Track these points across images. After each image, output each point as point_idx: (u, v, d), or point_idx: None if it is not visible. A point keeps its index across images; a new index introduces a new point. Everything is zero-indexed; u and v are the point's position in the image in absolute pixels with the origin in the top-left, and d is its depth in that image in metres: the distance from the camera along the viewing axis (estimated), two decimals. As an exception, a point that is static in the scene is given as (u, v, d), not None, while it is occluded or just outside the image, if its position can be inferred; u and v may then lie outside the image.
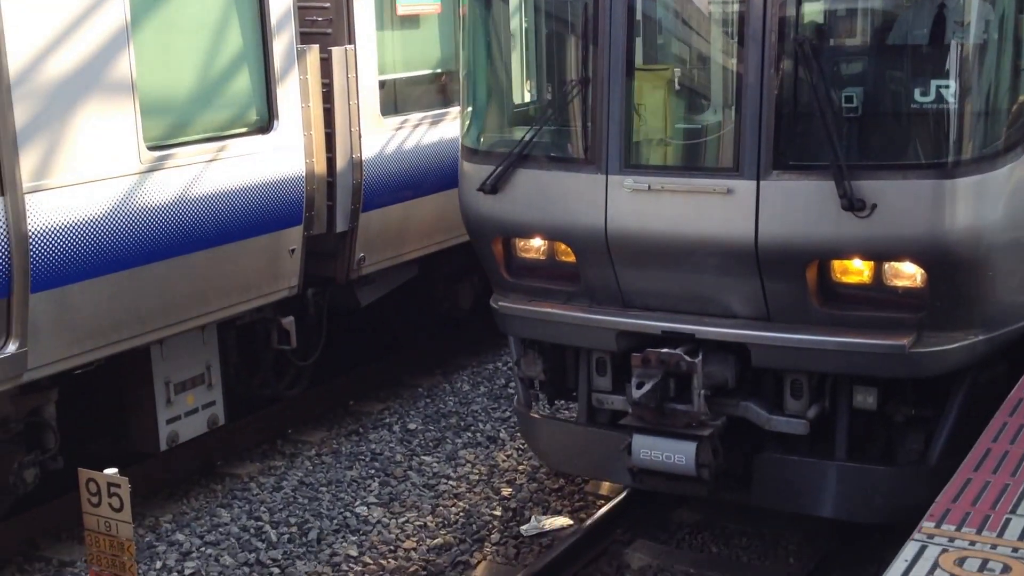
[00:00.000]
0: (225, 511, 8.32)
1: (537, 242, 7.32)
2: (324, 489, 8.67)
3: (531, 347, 7.40)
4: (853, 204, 5.98)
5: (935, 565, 4.25)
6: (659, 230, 6.56)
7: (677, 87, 6.92)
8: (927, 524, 4.58)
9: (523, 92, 7.83)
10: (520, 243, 7.39)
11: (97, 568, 6.68)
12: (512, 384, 10.50)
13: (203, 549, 7.74)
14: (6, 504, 7.64)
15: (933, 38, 6.16)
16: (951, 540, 4.45)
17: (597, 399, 7.22)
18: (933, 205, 5.97)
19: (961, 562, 4.28)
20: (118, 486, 6.53)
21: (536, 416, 7.75)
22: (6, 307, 6.89)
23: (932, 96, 6.04)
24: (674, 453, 6.40)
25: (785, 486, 6.68)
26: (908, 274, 6.27)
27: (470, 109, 7.62)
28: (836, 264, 6.38)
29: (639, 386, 6.36)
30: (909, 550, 4.37)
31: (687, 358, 6.37)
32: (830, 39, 6.57)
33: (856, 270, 6.39)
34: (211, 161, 8.15)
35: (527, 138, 6.99)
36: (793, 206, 6.21)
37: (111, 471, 6.59)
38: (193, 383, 8.66)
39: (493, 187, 7.07)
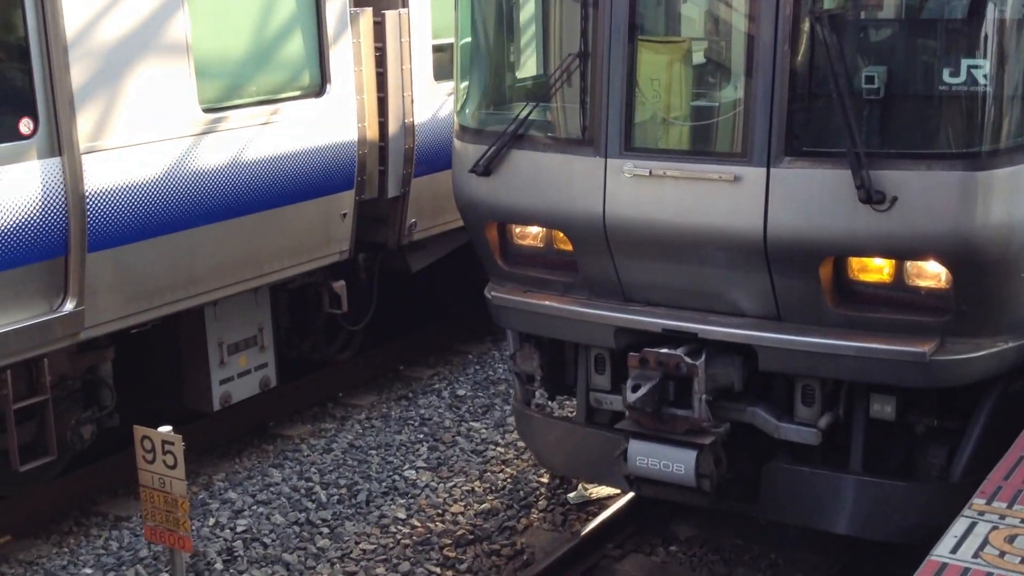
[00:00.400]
0: (277, 471, 8.45)
1: (534, 228, 6.84)
2: (373, 452, 8.75)
3: (527, 340, 6.98)
4: (871, 196, 5.44)
5: (985, 542, 4.17)
6: (660, 219, 6.07)
7: (683, 62, 6.34)
8: (978, 501, 4.49)
9: (519, 66, 7.26)
10: (516, 229, 6.89)
11: (152, 523, 6.82)
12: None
13: (255, 508, 7.87)
14: (64, 460, 7.83)
15: (965, 12, 5.52)
16: (1002, 517, 4.36)
17: (595, 398, 6.77)
18: (961, 199, 5.40)
19: (1012, 539, 4.20)
20: (172, 443, 6.65)
21: (532, 413, 7.28)
22: (63, 266, 7.02)
23: (963, 77, 5.43)
24: (672, 462, 5.94)
25: (795, 498, 6.21)
26: (932, 274, 5.73)
27: (464, 84, 7.05)
28: (853, 261, 5.88)
29: (635, 389, 5.88)
30: (959, 526, 4.30)
31: (687, 360, 5.92)
32: (850, 12, 5.87)
33: (874, 268, 5.86)
34: (264, 124, 8.20)
35: (522, 116, 6.48)
36: (806, 197, 5.68)
37: (165, 429, 6.71)
38: (246, 344, 8.77)
39: (486, 169, 6.56)
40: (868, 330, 5.79)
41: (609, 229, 6.22)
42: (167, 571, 6.95)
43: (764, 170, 5.76)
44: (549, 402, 8.48)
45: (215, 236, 7.93)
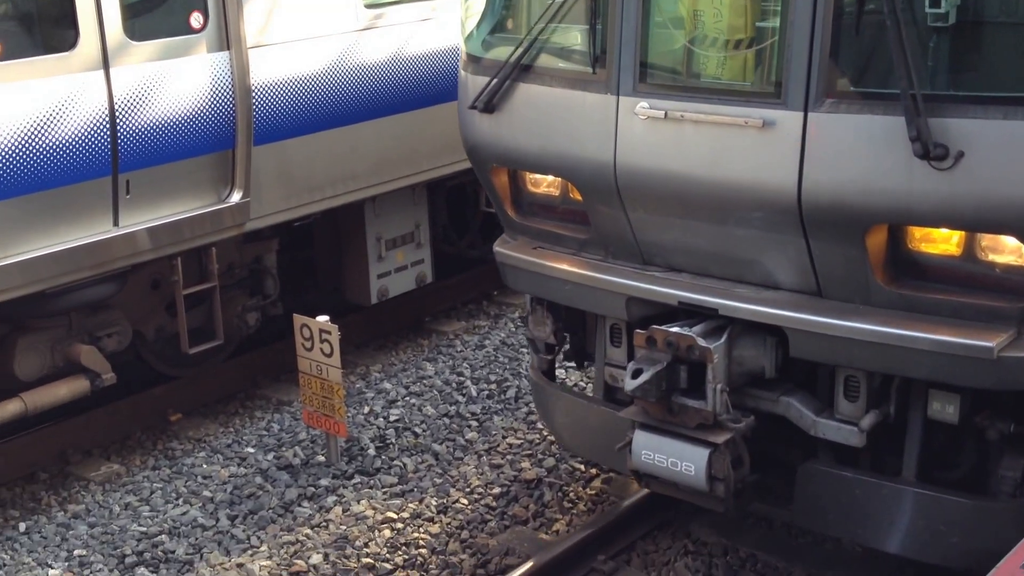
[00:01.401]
0: (430, 364, 8.65)
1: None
2: (524, 351, 8.82)
3: (540, 303, 6.10)
4: (929, 150, 4.36)
5: None
6: (679, 171, 5.10)
7: None
8: None
9: None
10: (528, 175, 5.99)
11: (310, 408, 7.13)
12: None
13: (408, 399, 8.09)
14: (231, 345, 8.24)
15: None
16: None
17: (611, 374, 5.86)
18: None
19: None
20: (329, 332, 6.89)
21: (545, 385, 6.37)
22: (231, 159, 7.27)
23: None
24: (681, 460, 5.05)
25: (836, 507, 5.22)
26: (1010, 247, 4.59)
27: (471, 4, 6.08)
28: (908, 229, 4.81)
29: (635, 374, 4.99)
30: None
31: (701, 342, 4.95)
32: None
33: (938, 237, 4.79)
34: (423, 21, 8.19)
35: (526, 44, 5.54)
36: (851, 148, 4.62)
37: (323, 318, 6.95)
38: (403, 240, 8.94)
39: (487, 105, 5.67)
40: (928, 314, 4.74)
41: (621, 180, 5.31)
42: (323, 454, 7.27)
43: (800, 114, 4.73)
44: (579, 371, 7.61)
45: (374, 132, 8.05)
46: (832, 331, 4.86)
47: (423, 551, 6.16)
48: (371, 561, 6.06)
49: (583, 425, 6.11)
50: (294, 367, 7.21)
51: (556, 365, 6.59)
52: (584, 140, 5.42)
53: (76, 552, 6.31)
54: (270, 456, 7.33)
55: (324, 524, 6.49)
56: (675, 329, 5.05)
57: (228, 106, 7.15)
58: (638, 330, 5.18)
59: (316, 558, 6.12)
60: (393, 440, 7.46)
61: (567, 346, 6.38)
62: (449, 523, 6.44)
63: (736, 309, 5.10)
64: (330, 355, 6.92)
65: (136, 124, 6.71)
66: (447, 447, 7.36)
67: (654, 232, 5.41)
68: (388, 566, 6.02)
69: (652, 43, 5.19)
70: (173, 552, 6.26)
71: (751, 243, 5.08)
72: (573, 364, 7.01)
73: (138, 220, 6.88)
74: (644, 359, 5.08)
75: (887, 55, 4.47)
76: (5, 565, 6.24)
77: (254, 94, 7.23)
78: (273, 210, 7.62)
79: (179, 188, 7.06)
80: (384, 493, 6.80)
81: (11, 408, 6.72)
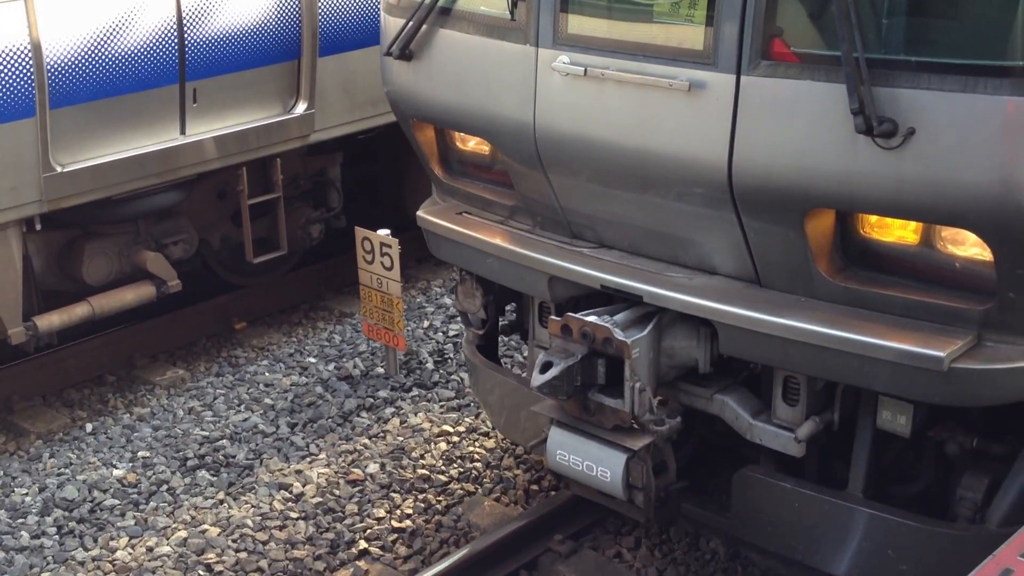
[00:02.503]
0: (490, 283, 8.67)
1: None
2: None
3: (470, 273, 5.61)
4: (873, 126, 3.74)
5: None
6: (599, 136, 4.53)
7: None
8: None
9: None
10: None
11: (370, 321, 7.20)
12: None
13: (467, 316, 8.14)
14: (295, 257, 8.32)
15: None
16: None
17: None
18: (1009, 135, 3.63)
19: None
20: (389, 246, 6.92)
21: (475, 360, 5.85)
22: (296, 69, 7.25)
23: None
24: (596, 464, 4.52)
25: (774, 520, 4.70)
26: (972, 239, 3.98)
27: None
28: (855, 212, 4.21)
29: (545, 368, 4.41)
30: None
31: (618, 334, 4.35)
32: None
33: (890, 223, 4.18)
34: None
35: None
36: (788, 119, 4.01)
37: (384, 232, 6.97)
38: (466, 157, 8.88)
39: (403, 51, 5.13)
40: (878, 311, 4.16)
41: (541, 145, 4.75)
42: (382, 366, 7.36)
43: (732, 77, 4.11)
44: (522, 342, 6.99)
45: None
46: (762, 328, 4.29)
47: (477, 465, 6.23)
48: (427, 472, 6.16)
49: (513, 408, 5.61)
50: (356, 280, 7.27)
51: (499, 337, 6.06)
52: (503, 97, 4.85)
53: (140, 453, 6.51)
54: (331, 366, 7.44)
55: (382, 435, 6.59)
56: (591, 318, 4.47)
57: (294, 15, 7.11)
58: (552, 317, 4.62)
59: (373, 467, 6.23)
60: (451, 355, 7.51)
61: (504, 320, 5.92)
62: (504, 439, 6.50)
63: (661, 297, 4.54)
64: (390, 269, 6.95)
65: (203, 32, 6.71)
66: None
67: (580, 203, 4.88)
68: (443, 478, 6.11)
69: None
70: (234, 457, 6.42)
71: (682, 221, 4.53)
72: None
73: (205, 129, 6.92)
74: (557, 350, 4.50)
75: (832, 10, 3.85)
76: (71, 464, 6.46)
77: (320, 2, 7.18)
78: (337, 122, 7.61)
79: (245, 98, 7.07)
80: (441, 407, 6.88)
81: (79, 311, 6.88)
